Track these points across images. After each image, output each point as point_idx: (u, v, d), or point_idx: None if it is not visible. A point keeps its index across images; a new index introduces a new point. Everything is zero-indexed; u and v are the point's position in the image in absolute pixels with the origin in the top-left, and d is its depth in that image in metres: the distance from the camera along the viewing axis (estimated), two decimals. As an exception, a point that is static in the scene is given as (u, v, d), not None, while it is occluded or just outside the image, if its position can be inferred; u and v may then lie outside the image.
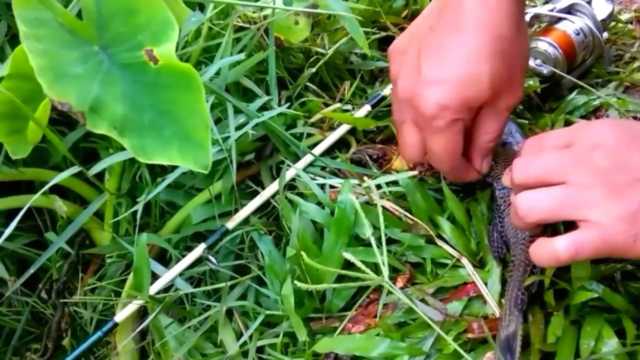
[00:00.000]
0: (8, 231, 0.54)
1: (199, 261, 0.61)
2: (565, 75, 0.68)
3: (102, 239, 0.70)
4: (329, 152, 0.69)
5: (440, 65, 0.52)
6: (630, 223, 0.45)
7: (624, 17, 0.83)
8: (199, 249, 0.60)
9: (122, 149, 0.52)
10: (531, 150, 0.52)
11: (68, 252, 0.69)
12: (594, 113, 0.70)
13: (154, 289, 0.59)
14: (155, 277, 0.60)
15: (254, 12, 0.64)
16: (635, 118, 0.70)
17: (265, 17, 0.63)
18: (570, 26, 0.70)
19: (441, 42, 0.53)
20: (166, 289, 0.62)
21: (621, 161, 0.46)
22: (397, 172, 0.67)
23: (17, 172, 0.63)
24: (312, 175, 0.66)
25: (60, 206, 0.65)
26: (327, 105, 0.72)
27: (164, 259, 0.66)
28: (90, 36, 0.45)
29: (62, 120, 0.67)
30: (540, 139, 0.52)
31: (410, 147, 0.58)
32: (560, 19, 0.71)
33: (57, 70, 0.42)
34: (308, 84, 0.72)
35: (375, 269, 0.56)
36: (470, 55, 0.51)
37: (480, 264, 0.59)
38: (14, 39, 0.64)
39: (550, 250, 0.47)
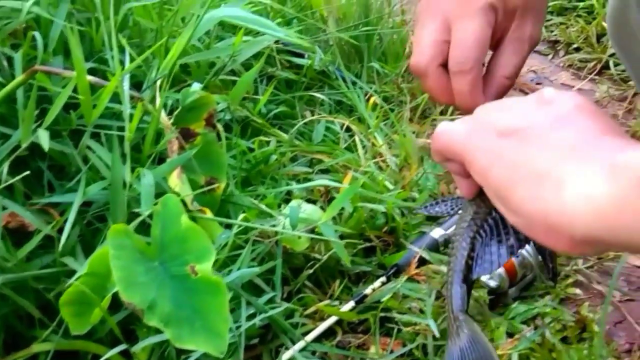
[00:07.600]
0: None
1: None
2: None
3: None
4: (319, 338, 0.86)
5: None
6: (493, 152, 0.44)
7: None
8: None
9: (158, 331, 0.69)
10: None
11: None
12: (533, 320, 0.87)
13: None
14: None
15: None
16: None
17: (276, 233, 0.83)
18: (513, 249, 0.89)
19: None
20: None
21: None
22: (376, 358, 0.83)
23: (69, 343, 0.79)
24: (304, 359, 0.82)
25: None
26: (320, 300, 0.90)
27: None
28: (153, 255, 0.64)
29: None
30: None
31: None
32: (504, 243, 0.90)
33: (129, 280, 0.61)
34: (306, 282, 0.91)
35: None
36: None
37: None
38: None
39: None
